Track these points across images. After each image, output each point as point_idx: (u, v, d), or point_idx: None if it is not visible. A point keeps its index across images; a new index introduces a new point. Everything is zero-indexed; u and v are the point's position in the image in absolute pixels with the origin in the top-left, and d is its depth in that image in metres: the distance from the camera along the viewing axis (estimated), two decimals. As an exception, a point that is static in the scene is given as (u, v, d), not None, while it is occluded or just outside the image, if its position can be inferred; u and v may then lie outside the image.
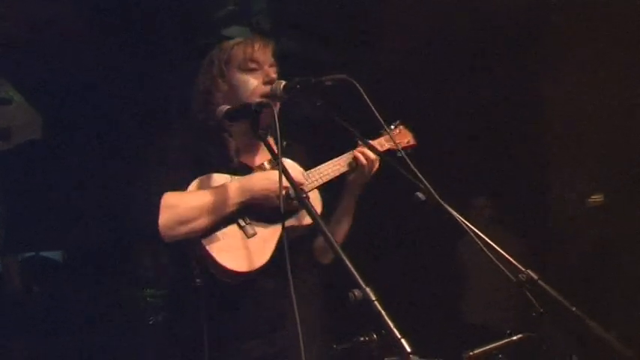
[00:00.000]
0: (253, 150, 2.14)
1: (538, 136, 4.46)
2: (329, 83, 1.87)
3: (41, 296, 5.01)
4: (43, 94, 4.89)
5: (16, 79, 4.91)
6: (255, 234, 1.97)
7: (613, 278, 3.72)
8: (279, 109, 1.96)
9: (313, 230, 2.11)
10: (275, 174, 1.92)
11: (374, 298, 1.35)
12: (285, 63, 2.18)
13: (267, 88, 2.04)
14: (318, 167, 2.16)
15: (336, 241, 1.51)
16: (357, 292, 1.36)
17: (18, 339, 4.62)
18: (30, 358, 4.63)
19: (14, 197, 5.11)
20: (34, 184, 4.98)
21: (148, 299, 4.30)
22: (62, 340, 4.58)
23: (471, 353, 1.81)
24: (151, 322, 4.16)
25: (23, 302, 4.93)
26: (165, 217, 1.86)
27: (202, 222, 1.88)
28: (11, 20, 4.31)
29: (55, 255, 5.50)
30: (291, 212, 2.02)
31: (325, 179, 2.14)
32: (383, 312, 1.33)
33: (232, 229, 1.95)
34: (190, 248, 1.92)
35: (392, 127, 2.39)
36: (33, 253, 5.31)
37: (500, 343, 1.84)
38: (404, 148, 2.34)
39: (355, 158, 2.17)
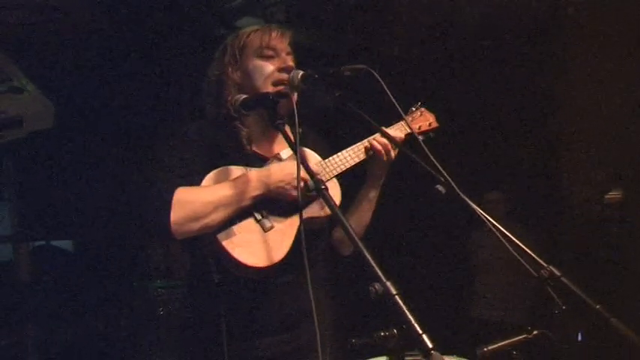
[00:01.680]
0: (267, 139, 2.11)
1: (555, 131, 4.41)
2: (348, 73, 1.84)
3: (51, 285, 5.02)
4: (56, 83, 4.88)
5: (29, 69, 4.90)
6: (272, 227, 1.93)
7: (629, 276, 3.67)
8: (297, 98, 1.93)
9: (333, 221, 2.08)
10: (291, 165, 1.90)
11: (395, 292, 1.32)
12: (299, 54, 2.16)
13: (282, 75, 2.01)
14: (336, 155, 2.12)
15: (357, 233, 1.48)
16: (377, 286, 1.33)
17: (29, 328, 4.64)
18: (40, 346, 4.65)
19: (26, 186, 5.12)
20: (45, 173, 4.99)
21: (159, 290, 4.30)
22: (72, 329, 4.59)
23: (485, 349, 1.78)
24: (161, 313, 4.15)
25: (34, 291, 4.95)
26: (176, 214, 1.83)
27: (216, 217, 1.85)
28: (24, 9, 4.29)
29: (65, 244, 5.51)
30: (309, 203, 1.98)
31: (343, 167, 2.10)
32: (404, 307, 1.31)
33: (248, 223, 1.92)
34: (205, 244, 1.89)
35: (412, 109, 2.35)
36: (44, 242, 5.33)
37: (515, 339, 1.82)
38: (426, 131, 2.32)
39: (371, 145, 2.14)
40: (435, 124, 2.36)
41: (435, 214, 3.72)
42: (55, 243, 5.41)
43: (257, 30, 2.12)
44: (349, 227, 1.46)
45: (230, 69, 2.06)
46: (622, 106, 3.93)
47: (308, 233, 1.66)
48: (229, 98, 2.00)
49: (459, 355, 2.56)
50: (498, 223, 1.73)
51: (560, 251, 4.21)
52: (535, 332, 1.82)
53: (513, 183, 4.62)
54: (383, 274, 1.35)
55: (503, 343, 1.81)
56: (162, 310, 4.14)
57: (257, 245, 1.88)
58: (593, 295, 1.60)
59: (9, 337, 4.56)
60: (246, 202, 1.90)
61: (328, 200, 1.54)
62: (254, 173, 1.93)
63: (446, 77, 4.59)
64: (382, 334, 1.33)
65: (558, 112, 4.39)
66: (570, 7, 4.21)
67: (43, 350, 4.67)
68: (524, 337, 1.83)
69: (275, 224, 1.94)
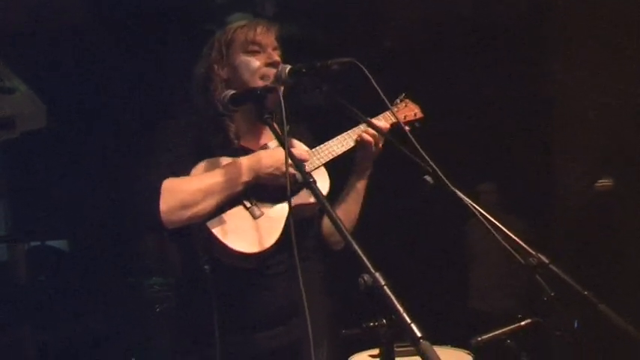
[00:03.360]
0: (254, 134, 2.13)
1: (545, 121, 4.42)
2: (335, 67, 1.84)
3: (47, 285, 5.02)
4: (48, 83, 4.88)
5: (20, 69, 4.89)
6: (262, 214, 1.94)
7: (620, 264, 3.70)
8: (284, 93, 1.94)
9: (322, 213, 2.09)
10: (280, 151, 1.91)
11: (383, 283, 1.33)
12: (289, 48, 2.16)
13: (268, 70, 2.02)
14: (325, 144, 2.15)
15: (347, 225, 1.49)
16: (366, 277, 1.34)
17: (25, 328, 4.64)
18: (37, 346, 4.65)
19: (19, 187, 5.12)
20: (39, 174, 4.98)
21: (155, 287, 4.30)
22: (69, 328, 4.60)
23: (479, 339, 1.79)
24: (157, 310, 4.16)
25: (29, 291, 4.95)
26: (165, 202, 1.83)
27: (205, 205, 1.86)
28: (15, 10, 4.29)
29: (61, 244, 5.51)
30: (298, 190, 1.99)
31: (332, 155, 2.12)
32: (392, 297, 1.31)
33: (238, 210, 1.93)
34: (195, 233, 1.90)
35: (397, 100, 2.38)
36: (39, 243, 5.32)
37: (509, 328, 1.83)
38: (411, 121, 2.35)
39: (360, 138, 2.16)
40: (420, 115, 2.38)
41: (428, 204, 3.73)
42: (50, 243, 5.40)
43: (243, 26, 2.13)
44: (337, 218, 1.46)
45: (217, 65, 2.07)
46: (616, 97, 3.94)
47: (298, 220, 1.67)
48: (217, 94, 2.00)
49: (454, 346, 2.58)
50: (491, 214, 1.74)
51: (553, 240, 4.23)
52: (528, 320, 1.83)
53: (506, 173, 4.64)
54: (372, 265, 1.36)
55: (496, 332, 1.82)
56: (158, 308, 4.14)
57: (248, 232, 1.89)
58: (586, 282, 1.62)
59: (6, 338, 4.56)
60: (236, 189, 1.91)
61: (316, 193, 1.54)
62: (244, 160, 1.94)
63: (439, 69, 4.59)
64: (371, 324, 1.34)
65: (551, 103, 4.41)
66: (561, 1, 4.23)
67: (40, 351, 4.67)
68: (517, 326, 1.84)
69: (265, 211, 1.95)
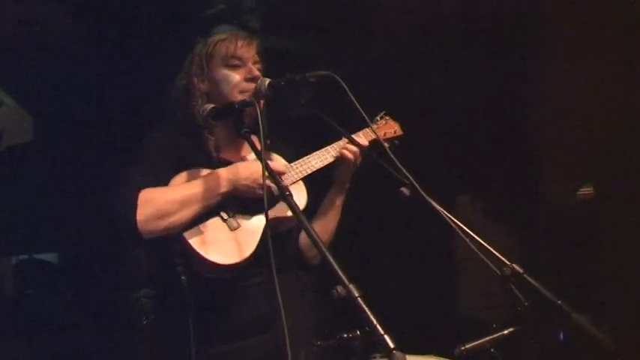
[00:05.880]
0: (234, 146, 2.15)
1: (526, 129, 4.45)
2: (313, 80, 1.87)
3: (35, 299, 5.00)
4: (34, 96, 4.87)
5: (6, 82, 4.89)
6: (239, 226, 1.96)
7: (604, 271, 3.72)
8: (263, 106, 1.96)
9: (299, 226, 2.11)
10: (257, 164, 1.93)
11: (357, 295, 1.35)
12: (276, 61, 2.19)
13: (248, 85, 2.05)
14: (304, 158, 2.18)
15: (325, 239, 1.51)
16: (340, 289, 1.36)
17: (12, 342, 4.61)
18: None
19: (6, 200, 5.10)
20: (25, 187, 4.96)
21: (142, 299, 4.29)
22: (57, 342, 4.57)
23: (462, 347, 1.81)
24: (144, 323, 4.14)
25: (17, 305, 4.92)
26: (142, 212, 1.85)
27: (182, 215, 1.87)
28: (0, 22, 4.29)
29: (50, 257, 5.48)
30: (275, 203, 2.01)
31: (311, 170, 2.15)
32: (366, 308, 1.33)
33: (215, 221, 1.95)
34: (172, 244, 1.91)
35: (377, 118, 2.42)
36: (27, 256, 5.29)
37: (492, 337, 1.85)
38: (391, 139, 2.39)
39: (342, 154, 2.19)
40: (399, 132, 2.43)
41: (411, 214, 3.75)
42: (38, 256, 5.37)
43: (224, 39, 2.16)
44: (312, 231, 1.49)
45: (197, 78, 2.10)
46: (598, 103, 3.97)
47: (276, 233, 1.69)
48: (197, 107, 2.03)
49: (437, 355, 2.59)
50: (474, 222, 1.77)
51: (537, 249, 4.25)
52: (510, 329, 1.85)
53: (488, 182, 4.66)
54: (346, 276, 1.38)
55: (480, 341, 1.84)
56: (145, 320, 4.13)
57: (224, 244, 1.92)
58: (569, 289, 1.64)
59: (-5, 353, 4.54)
60: (213, 200, 1.93)
61: (292, 206, 1.57)
62: (221, 171, 1.97)
63: (416, 77, 4.61)
64: (345, 335, 1.36)
65: (531, 110, 4.44)
66: (546, 6, 4.25)
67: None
68: (500, 335, 1.86)
69: (242, 223, 1.97)
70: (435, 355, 2.58)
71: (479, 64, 4.40)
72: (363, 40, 4.73)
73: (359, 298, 1.34)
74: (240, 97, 2.03)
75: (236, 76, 2.06)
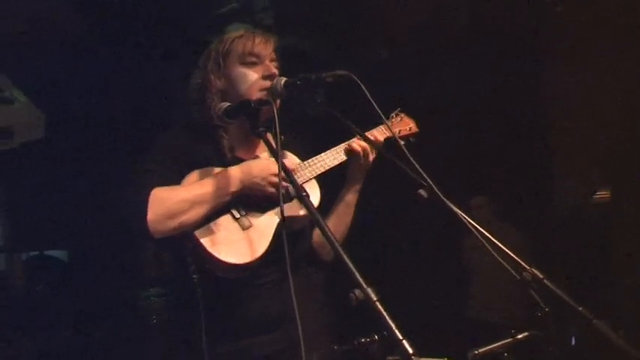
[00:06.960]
0: (248, 145, 2.13)
1: (541, 130, 4.41)
2: (330, 80, 1.85)
3: (45, 295, 5.00)
4: (46, 93, 4.88)
5: (18, 79, 4.90)
6: (251, 225, 1.94)
7: (618, 276, 3.68)
8: (279, 105, 1.94)
9: (312, 224, 2.09)
10: (269, 162, 1.92)
11: (375, 299, 1.33)
12: (289, 60, 2.17)
13: (266, 83, 2.02)
14: (318, 156, 2.15)
15: (337, 237, 1.49)
16: (357, 292, 1.34)
17: (22, 338, 4.62)
18: (34, 357, 4.63)
19: (18, 196, 5.11)
20: (37, 183, 4.97)
21: (152, 298, 4.28)
22: (66, 339, 4.57)
23: (476, 352, 1.79)
24: (154, 321, 4.14)
25: (27, 301, 4.93)
26: (153, 212, 1.83)
27: (193, 214, 1.85)
28: (12, 18, 4.30)
29: (60, 254, 5.49)
30: (288, 201, 2.00)
31: (324, 168, 2.13)
32: (384, 313, 1.31)
33: (226, 220, 1.93)
34: (184, 243, 1.90)
35: (392, 115, 2.39)
36: (37, 252, 5.30)
37: (506, 341, 1.82)
38: (406, 136, 2.37)
39: (350, 147, 2.17)
40: (415, 129, 2.40)
41: (426, 216, 3.72)
42: (49, 253, 5.39)
43: (241, 36, 2.13)
44: (328, 231, 1.46)
45: (213, 76, 2.07)
46: (613, 105, 3.93)
47: (290, 232, 1.67)
48: (212, 105, 2.01)
49: (451, 358, 2.56)
50: (487, 225, 1.74)
51: (550, 252, 4.21)
52: (525, 334, 1.83)
53: (502, 185, 4.62)
54: (364, 280, 1.36)
55: (493, 345, 1.82)
56: (155, 319, 4.13)
57: (236, 243, 1.90)
58: (583, 294, 1.61)
59: (4, 350, 4.54)
60: (224, 199, 1.91)
61: (308, 206, 1.54)
62: (233, 170, 1.95)
63: (433, 80, 4.59)
64: (363, 340, 1.33)
65: (546, 111, 4.40)
66: (558, 5, 4.21)
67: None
68: (514, 339, 1.83)
69: (253, 222, 1.95)
70: (448, 359, 2.56)
71: (492, 65, 4.37)
72: (375, 39, 4.71)
73: (377, 302, 1.31)
74: (257, 95, 2.01)
75: (254, 74, 2.04)
